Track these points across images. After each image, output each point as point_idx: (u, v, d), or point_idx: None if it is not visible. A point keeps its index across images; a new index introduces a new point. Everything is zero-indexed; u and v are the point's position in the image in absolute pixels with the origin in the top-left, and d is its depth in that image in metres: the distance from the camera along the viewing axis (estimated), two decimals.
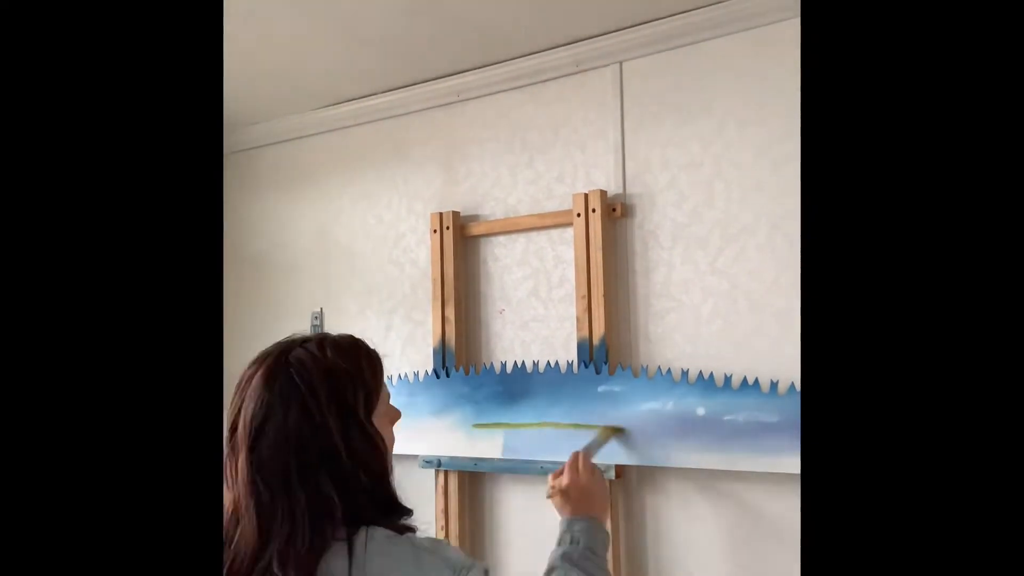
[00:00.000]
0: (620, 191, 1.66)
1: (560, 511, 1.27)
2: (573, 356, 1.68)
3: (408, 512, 0.94)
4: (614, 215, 1.64)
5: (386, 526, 0.90)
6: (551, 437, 1.64)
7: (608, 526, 1.30)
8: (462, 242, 1.86)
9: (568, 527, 1.20)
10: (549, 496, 1.32)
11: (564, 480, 1.29)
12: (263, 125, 2.21)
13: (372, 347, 1.01)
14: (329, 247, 2.12)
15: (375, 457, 0.93)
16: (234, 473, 0.91)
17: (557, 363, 1.69)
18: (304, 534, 0.86)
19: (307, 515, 0.87)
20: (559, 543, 1.20)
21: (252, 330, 2.19)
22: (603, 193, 1.64)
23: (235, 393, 0.95)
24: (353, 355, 0.96)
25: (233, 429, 0.93)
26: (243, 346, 2.26)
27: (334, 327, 2.08)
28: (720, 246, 1.55)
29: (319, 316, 2.11)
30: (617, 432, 1.56)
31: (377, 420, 0.96)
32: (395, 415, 1.02)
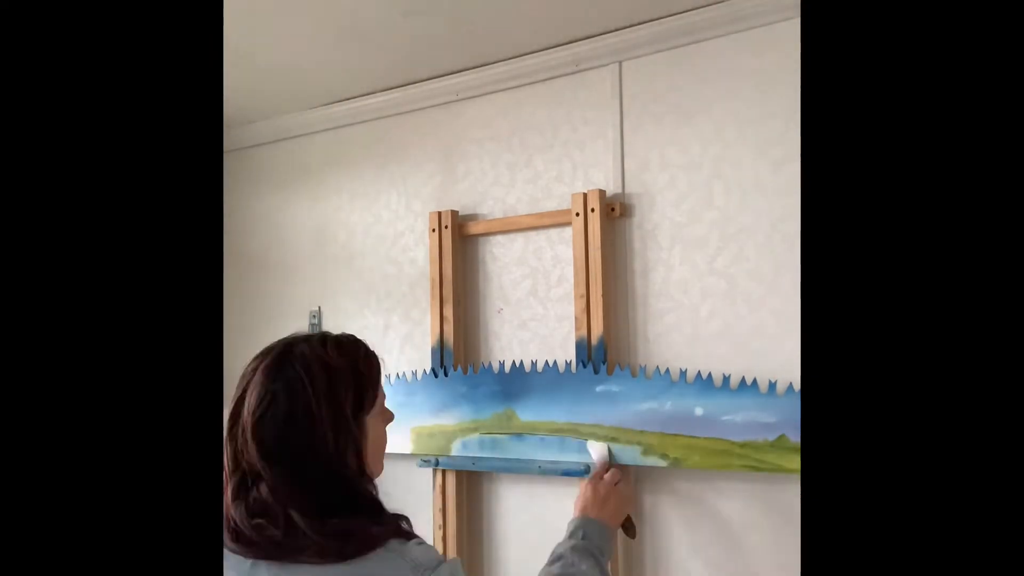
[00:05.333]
0: (619, 191, 1.66)
1: (576, 508, 1.37)
2: (571, 356, 1.68)
3: (383, 512, 0.98)
4: (613, 215, 1.64)
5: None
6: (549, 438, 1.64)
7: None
8: (460, 241, 1.86)
9: (581, 524, 1.30)
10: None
11: (590, 484, 1.42)
12: (261, 123, 2.21)
13: (372, 348, 1.07)
14: (327, 246, 2.12)
15: (356, 454, 0.98)
16: (237, 458, 0.97)
17: (555, 363, 1.69)
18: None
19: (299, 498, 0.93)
20: (571, 536, 1.28)
21: (250, 329, 2.19)
22: (602, 193, 1.64)
23: (238, 383, 1.01)
24: (351, 353, 1.03)
25: (235, 417, 0.98)
26: (241, 344, 2.26)
27: (332, 326, 2.08)
28: (719, 246, 1.55)
29: (317, 315, 2.11)
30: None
31: (371, 419, 1.02)
32: (389, 416, 1.08)
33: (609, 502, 1.37)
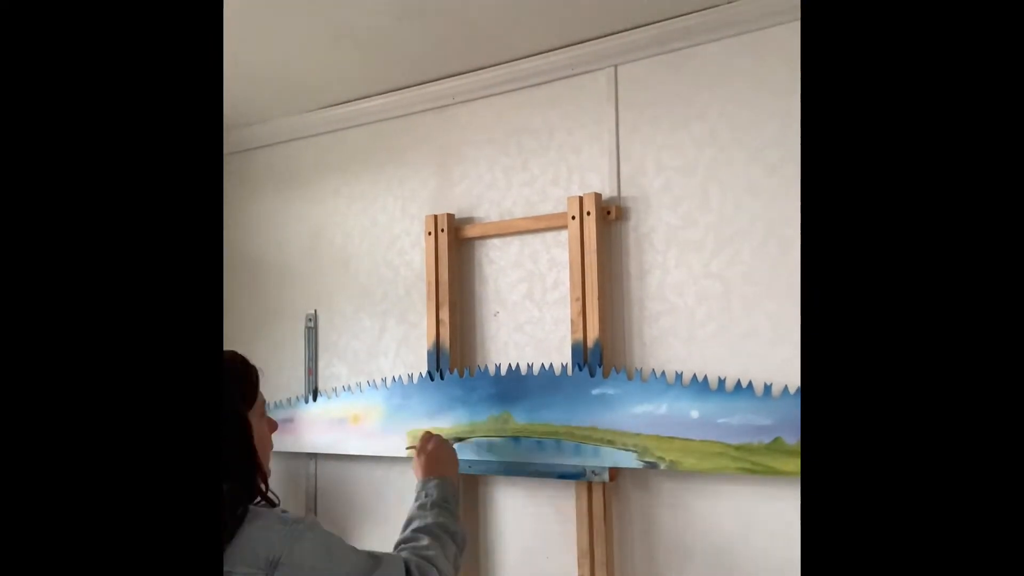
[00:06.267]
0: (615, 194, 1.67)
1: (416, 475, 1.52)
2: (567, 359, 1.68)
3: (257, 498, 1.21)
4: (608, 218, 1.65)
5: None
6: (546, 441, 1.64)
7: (459, 484, 1.55)
8: (457, 244, 1.86)
9: (423, 486, 1.45)
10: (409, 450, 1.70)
11: (417, 451, 1.57)
12: (258, 127, 2.21)
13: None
14: (324, 249, 2.12)
15: (243, 445, 1.24)
16: None
17: (551, 365, 1.69)
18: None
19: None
20: (416, 499, 1.42)
21: (246, 331, 2.19)
22: (597, 196, 1.65)
23: None
24: (232, 358, 1.36)
25: None
26: (237, 347, 2.25)
27: (328, 329, 2.08)
28: (714, 249, 1.55)
29: (313, 318, 2.11)
30: None
31: (253, 417, 1.28)
32: (272, 424, 1.37)
33: (436, 459, 1.51)
